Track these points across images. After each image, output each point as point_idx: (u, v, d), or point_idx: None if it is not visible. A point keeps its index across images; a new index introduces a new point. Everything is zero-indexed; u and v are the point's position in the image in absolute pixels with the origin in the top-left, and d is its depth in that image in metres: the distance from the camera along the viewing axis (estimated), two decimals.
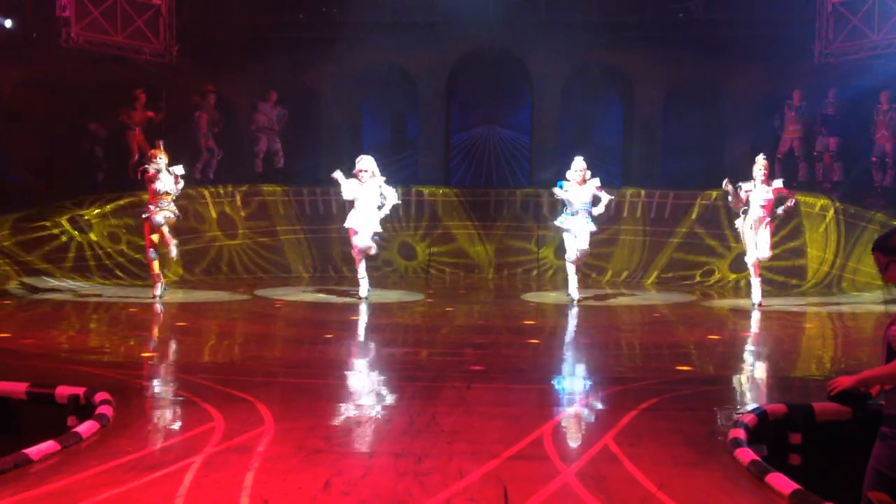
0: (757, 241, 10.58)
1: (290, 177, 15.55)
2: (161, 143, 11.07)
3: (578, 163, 10.88)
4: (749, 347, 8.60)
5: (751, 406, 5.22)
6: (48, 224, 12.76)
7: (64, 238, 12.74)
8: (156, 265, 10.77)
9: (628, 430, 4.66)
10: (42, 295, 11.01)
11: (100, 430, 4.47)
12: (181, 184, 10.92)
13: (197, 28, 15.40)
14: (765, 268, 11.10)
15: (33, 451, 3.99)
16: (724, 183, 10.71)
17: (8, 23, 13.36)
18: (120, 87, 14.64)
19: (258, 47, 15.86)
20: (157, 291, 10.71)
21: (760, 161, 10.66)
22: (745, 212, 10.59)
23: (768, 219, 10.57)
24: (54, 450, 4.08)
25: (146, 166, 10.86)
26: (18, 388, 5.24)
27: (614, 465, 4.05)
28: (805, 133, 14.41)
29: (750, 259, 10.69)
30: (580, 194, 10.82)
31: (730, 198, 10.68)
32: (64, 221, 12.90)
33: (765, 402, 5.45)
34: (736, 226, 10.90)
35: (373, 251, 10.89)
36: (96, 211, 13.27)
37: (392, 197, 10.89)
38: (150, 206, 10.70)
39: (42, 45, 13.66)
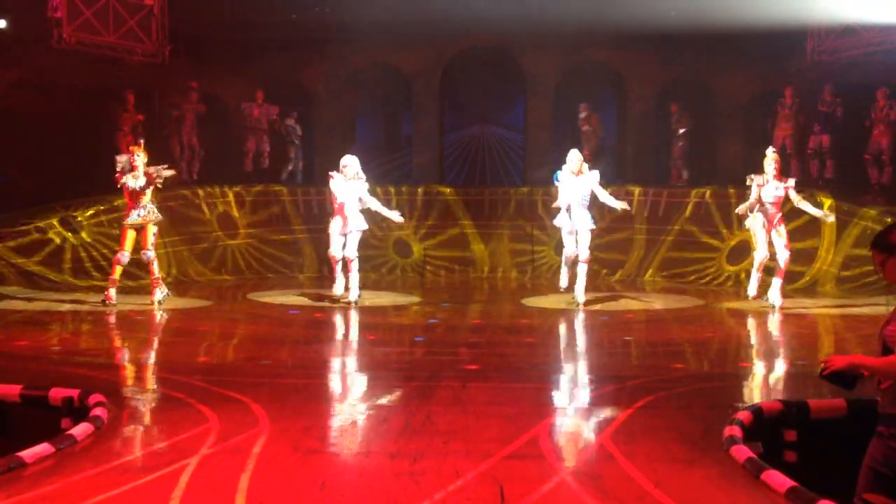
0: (773, 242, 10.30)
1: (277, 177, 15.49)
2: (142, 142, 10.93)
3: (574, 154, 10.64)
4: (744, 345, 8.61)
5: (746, 403, 5.22)
6: (40, 225, 12.71)
7: (59, 241, 12.68)
8: (118, 270, 10.46)
9: (624, 429, 4.66)
10: (14, 303, 10.64)
11: (94, 432, 4.45)
12: (162, 176, 10.49)
13: (189, 29, 15.34)
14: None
15: (27, 453, 3.98)
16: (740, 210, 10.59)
17: (2, 23, 13.27)
18: (112, 88, 14.59)
19: (251, 48, 15.82)
20: (157, 296, 10.44)
21: (771, 155, 10.39)
22: (756, 208, 10.35)
23: (780, 215, 10.33)
24: (48, 452, 4.07)
25: (117, 172, 10.74)
26: (12, 390, 5.22)
27: (610, 464, 4.05)
28: (797, 130, 14.42)
29: (759, 256, 10.40)
30: (577, 187, 10.46)
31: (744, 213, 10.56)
32: (56, 223, 12.85)
33: (760, 400, 5.46)
34: (746, 224, 10.61)
35: (337, 258, 10.69)
36: (89, 212, 13.22)
37: (374, 204, 10.67)
38: (130, 210, 10.54)
39: (34, 45, 13.59)
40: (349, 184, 10.59)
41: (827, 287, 12.33)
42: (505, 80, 17.37)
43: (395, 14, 15.47)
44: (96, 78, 14.55)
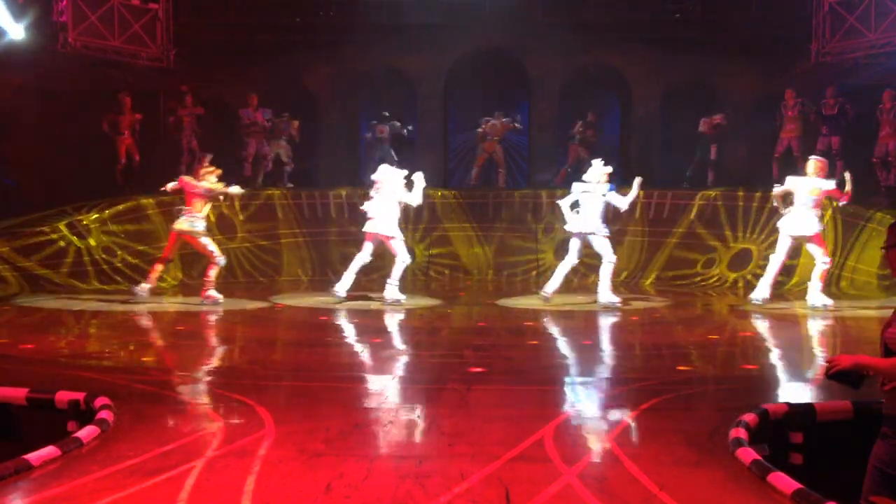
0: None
1: (278, 180, 15.53)
2: (208, 158, 11.52)
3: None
4: (749, 347, 8.59)
5: (752, 405, 5.21)
6: (46, 229, 12.74)
7: (63, 244, 12.72)
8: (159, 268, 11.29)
9: (629, 431, 4.66)
10: (20, 306, 10.70)
11: (100, 434, 4.46)
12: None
13: (194, 32, 15.39)
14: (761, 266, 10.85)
15: (34, 456, 3.99)
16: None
17: (21, 32, 13.21)
18: (118, 92, 14.64)
19: (255, 51, 15.87)
20: (147, 284, 11.11)
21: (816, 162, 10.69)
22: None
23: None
24: (55, 455, 4.08)
25: (204, 177, 11.17)
26: (18, 393, 5.23)
27: (616, 466, 4.05)
28: (803, 132, 14.39)
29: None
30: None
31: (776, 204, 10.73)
32: (62, 227, 12.88)
33: (765, 402, 5.44)
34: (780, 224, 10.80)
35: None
36: (94, 216, 13.25)
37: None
38: (183, 213, 11.11)
39: (39, 50, 13.63)
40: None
41: (832, 288, 12.29)
42: (509, 83, 17.39)
43: (399, 17, 15.52)
44: (102, 82, 14.59)
